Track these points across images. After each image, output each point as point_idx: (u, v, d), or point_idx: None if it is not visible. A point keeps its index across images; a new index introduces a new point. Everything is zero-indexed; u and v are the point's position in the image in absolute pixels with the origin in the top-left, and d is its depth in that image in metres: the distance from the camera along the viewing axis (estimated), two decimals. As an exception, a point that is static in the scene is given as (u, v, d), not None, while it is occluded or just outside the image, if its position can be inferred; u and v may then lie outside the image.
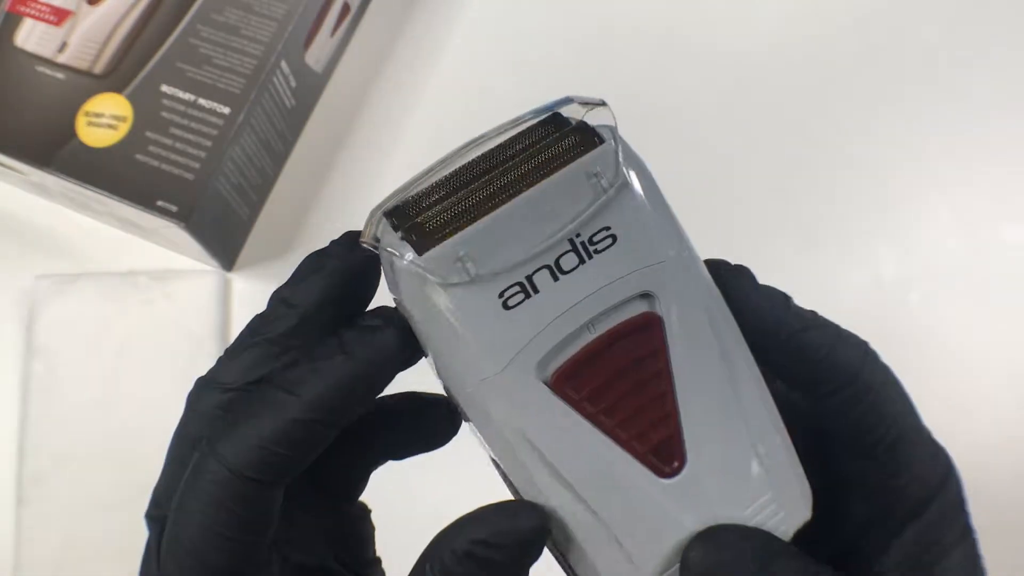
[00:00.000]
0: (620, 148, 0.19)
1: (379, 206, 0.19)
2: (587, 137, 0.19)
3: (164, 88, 0.44)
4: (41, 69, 0.45)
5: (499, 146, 0.19)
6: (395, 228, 0.18)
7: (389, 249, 0.18)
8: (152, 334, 0.46)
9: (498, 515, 0.18)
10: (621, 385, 0.18)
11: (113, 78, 0.45)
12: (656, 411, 0.19)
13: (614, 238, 0.19)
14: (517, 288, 0.18)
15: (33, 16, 0.47)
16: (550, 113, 0.20)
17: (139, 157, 0.43)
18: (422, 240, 0.18)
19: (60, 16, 0.46)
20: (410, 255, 0.18)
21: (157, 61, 0.45)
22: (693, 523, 0.18)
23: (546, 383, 0.18)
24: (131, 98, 0.44)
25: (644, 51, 0.53)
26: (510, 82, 0.52)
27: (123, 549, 0.43)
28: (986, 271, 0.48)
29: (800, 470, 0.20)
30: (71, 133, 0.44)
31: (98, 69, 0.45)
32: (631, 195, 0.19)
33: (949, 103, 0.51)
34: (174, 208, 0.42)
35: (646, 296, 0.19)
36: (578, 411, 0.18)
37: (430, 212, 0.18)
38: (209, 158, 0.43)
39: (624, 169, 0.19)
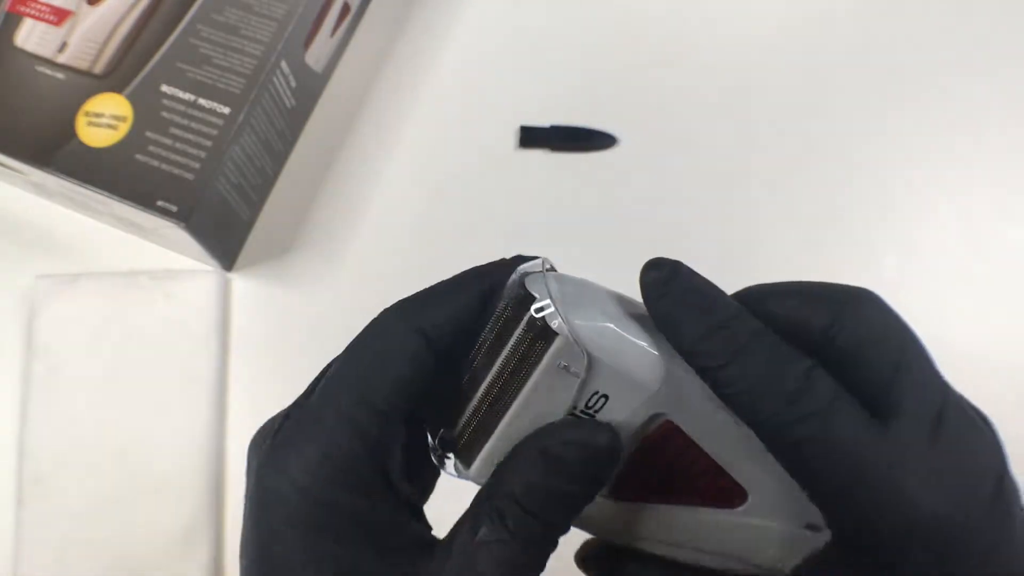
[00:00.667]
0: (570, 332, 0.21)
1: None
2: (542, 332, 0.21)
3: (164, 88, 0.44)
4: (41, 69, 0.45)
5: (481, 360, 0.23)
6: (450, 451, 0.24)
7: (453, 461, 0.24)
8: (152, 334, 0.46)
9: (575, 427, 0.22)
10: (665, 473, 0.23)
11: (113, 78, 0.45)
12: (703, 474, 0.23)
13: (606, 397, 0.22)
14: None
15: (33, 16, 0.47)
16: (511, 306, 0.23)
17: (139, 157, 0.43)
18: (462, 459, 0.23)
19: (60, 16, 0.46)
20: (461, 469, 0.23)
21: (157, 61, 0.45)
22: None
23: (609, 499, 0.24)
24: (131, 98, 0.44)
25: (644, 51, 0.53)
26: (510, 82, 0.52)
27: (123, 549, 0.44)
28: (987, 271, 0.48)
29: None
30: (71, 133, 0.44)
31: (98, 69, 0.45)
32: (600, 363, 0.21)
33: (950, 103, 0.51)
34: (174, 208, 0.42)
35: (656, 416, 0.22)
36: (647, 502, 0.24)
37: (462, 437, 0.23)
38: (209, 158, 0.43)
39: (583, 348, 0.21)
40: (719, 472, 0.23)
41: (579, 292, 0.23)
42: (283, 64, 0.46)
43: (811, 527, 0.22)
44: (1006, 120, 0.51)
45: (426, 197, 0.50)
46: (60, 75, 0.45)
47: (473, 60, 0.53)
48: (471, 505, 0.22)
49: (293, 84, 0.48)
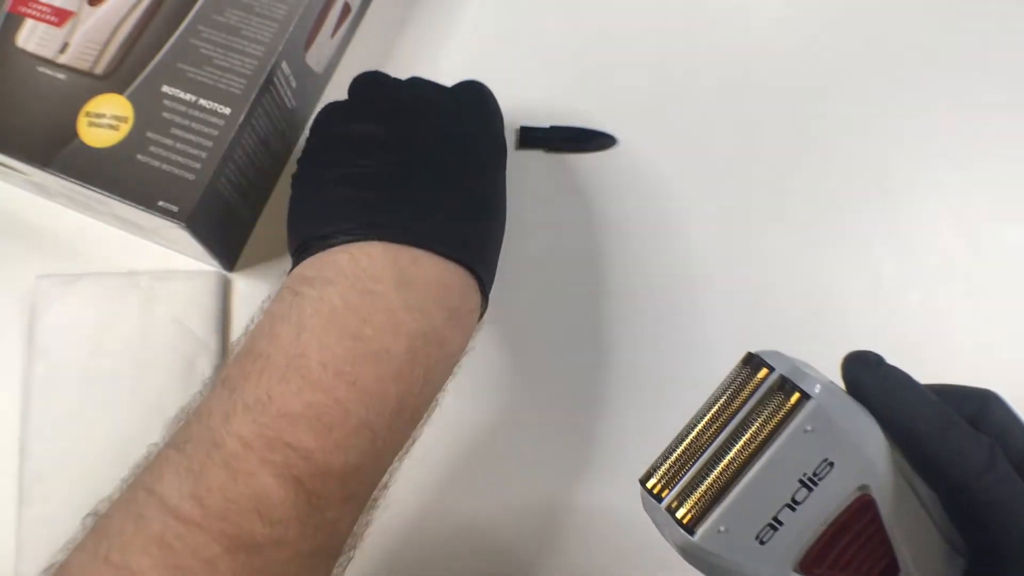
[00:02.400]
0: (825, 399, 0.23)
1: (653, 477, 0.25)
2: (789, 390, 0.23)
3: (165, 89, 0.45)
4: (42, 70, 0.45)
5: (715, 405, 0.24)
6: (669, 511, 0.24)
7: (667, 530, 0.24)
8: (153, 334, 0.46)
9: None
10: (852, 551, 0.24)
11: (114, 79, 0.45)
12: (878, 558, 0.24)
13: (831, 464, 0.23)
14: (768, 529, 0.23)
15: (34, 17, 0.47)
16: (751, 365, 0.25)
17: (140, 157, 0.43)
18: (690, 525, 0.24)
19: (61, 17, 0.47)
20: (683, 535, 0.24)
21: (158, 62, 0.45)
22: None
23: (801, 573, 0.24)
24: (132, 99, 0.44)
25: (644, 51, 0.53)
26: (510, 82, 0.53)
27: (124, 549, 0.44)
28: (986, 271, 0.48)
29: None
30: (72, 133, 0.44)
31: (99, 70, 0.45)
32: (838, 426, 0.23)
33: (949, 103, 0.51)
34: (175, 208, 0.42)
35: (862, 487, 0.24)
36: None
37: (686, 498, 0.24)
38: (210, 158, 0.43)
39: (826, 409, 0.23)
40: (888, 550, 0.24)
41: (808, 365, 0.24)
42: (284, 65, 0.46)
43: None
44: (1006, 120, 0.51)
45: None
46: (61, 76, 0.45)
47: (473, 60, 0.53)
48: None
49: (294, 85, 0.48)
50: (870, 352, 0.26)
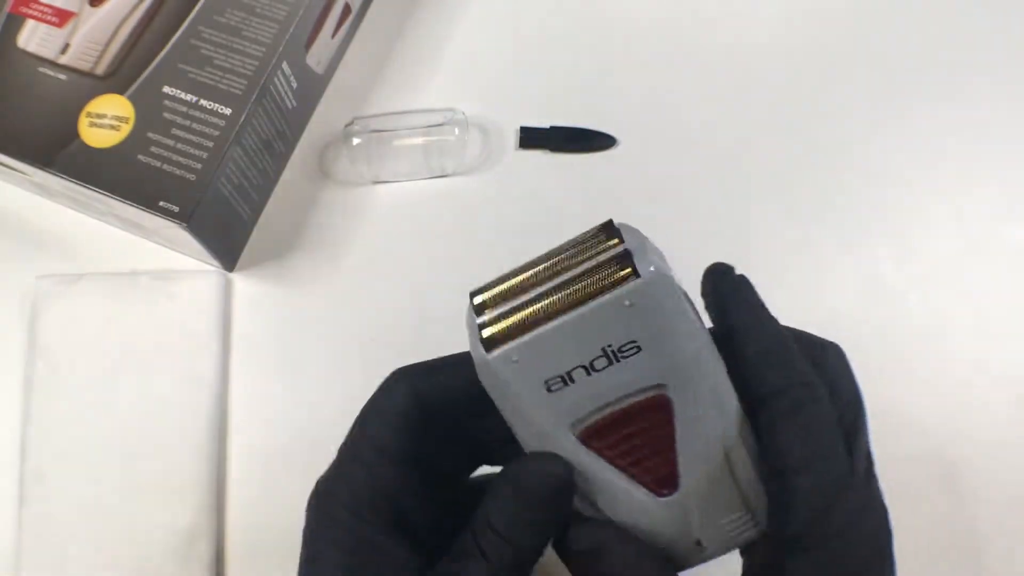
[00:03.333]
0: (654, 283, 0.23)
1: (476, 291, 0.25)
2: (625, 264, 0.23)
3: (166, 89, 0.45)
4: (43, 70, 0.45)
5: (562, 253, 0.24)
6: (479, 326, 0.24)
7: (472, 341, 0.24)
8: (154, 334, 0.47)
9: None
10: (632, 442, 0.25)
11: (115, 79, 0.45)
12: (658, 458, 0.25)
13: (638, 348, 0.23)
14: (558, 380, 0.24)
15: (35, 17, 0.47)
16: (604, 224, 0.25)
17: (141, 158, 0.43)
18: (489, 342, 0.24)
19: (62, 17, 0.47)
20: (481, 352, 0.24)
21: (159, 62, 0.45)
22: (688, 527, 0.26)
23: (576, 436, 0.24)
24: (133, 99, 0.44)
25: (644, 51, 0.53)
26: (510, 83, 0.53)
27: (123, 549, 0.44)
28: (986, 271, 0.48)
29: (763, 493, 0.25)
30: (73, 134, 0.44)
31: (100, 70, 0.45)
32: (657, 314, 0.23)
33: (949, 103, 0.51)
34: (176, 208, 0.42)
35: (660, 385, 0.24)
36: (596, 454, 0.25)
37: (499, 320, 0.24)
38: (211, 159, 0.43)
39: (652, 294, 0.23)
40: (672, 460, 0.25)
41: (660, 255, 0.24)
42: (284, 65, 0.46)
43: (698, 543, 0.26)
44: (1006, 120, 0.51)
45: (426, 197, 0.50)
46: (62, 76, 0.45)
47: (473, 61, 0.53)
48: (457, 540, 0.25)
49: (294, 85, 0.48)
50: (723, 264, 0.27)
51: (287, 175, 0.51)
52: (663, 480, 0.25)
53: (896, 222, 0.49)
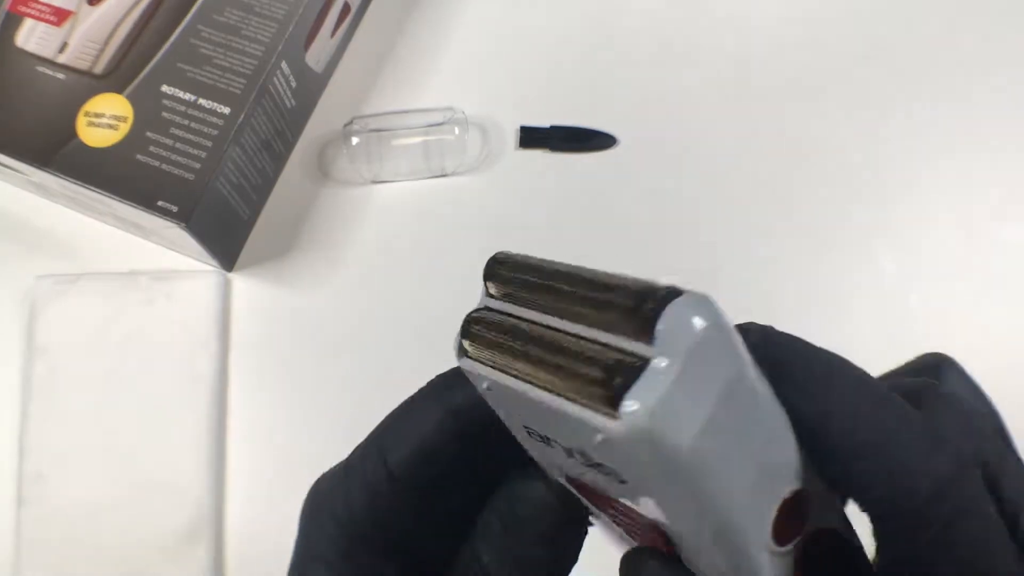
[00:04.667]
0: (627, 432, 0.15)
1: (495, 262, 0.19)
2: (612, 385, 0.15)
3: (164, 88, 0.44)
4: (42, 69, 0.45)
5: (597, 292, 0.17)
6: (468, 315, 0.19)
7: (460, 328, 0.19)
8: (153, 334, 0.46)
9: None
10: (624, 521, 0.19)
11: (113, 78, 0.45)
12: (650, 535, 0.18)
13: (622, 480, 0.17)
14: (537, 434, 0.18)
15: (34, 16, 0.47)
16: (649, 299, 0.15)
17: (139, 157, 0.43)
18: (472, 346, 0.18)
19: (61, 16, 0.47)
20: (457, 350, 0.19)
21: (157, 61, 0.45)
22: None
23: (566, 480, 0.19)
24: (131, 98, 0.44)
25: (644, 51, 0.53)
26: (510, 82, 0.53)
27: (123, 549, 0.44)
28: (986, 271, 0.48)
29: None
30: (72, 133, 0.44)
31: (98, 69, 0.45)
32: (637, 468, 0.16)
33: (949, 103, 0.51)
34: (174, 208, 0.42)
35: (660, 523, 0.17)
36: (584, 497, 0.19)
37: (482, 334, 0.18)
38: (209, 158, 0.43)
39: (626, 448, 0.15)
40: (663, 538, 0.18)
41: (721, 381, 0.15)
42: (283, 64, 0.46)
43: None
44: (1005, 120, 0.51)
45: (426, 197, 0.50)
46: (60, 75, 0.45)
47: (473, 60, 0.53)
48: None
49: (293, 84, 0.48)
50: (758, 325, 0.18)
51: (286, 175, 0.51)
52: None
53: (896, 222, 0.49)
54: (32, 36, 0.46)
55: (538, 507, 0.20)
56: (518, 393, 0.17)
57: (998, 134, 0.51)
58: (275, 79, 0.46)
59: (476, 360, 0.18)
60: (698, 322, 0.14)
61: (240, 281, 0.49)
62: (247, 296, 0.49)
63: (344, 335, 0.48)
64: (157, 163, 0.43)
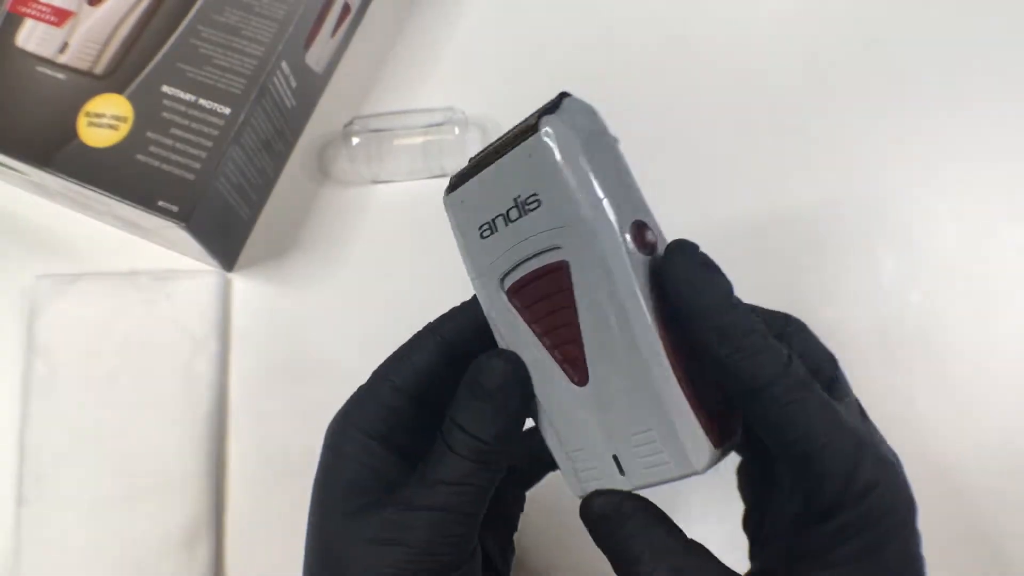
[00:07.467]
0: (555, 138, 0.24)
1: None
2: (531, 128, 0.25)
3: (165, 88, 0.45)
4: (42, 69, 0.45)
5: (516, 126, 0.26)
6: (448, 187, 0.28)
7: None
8: (153, 334, 0.46)
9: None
10: (545, 308, 0.26)
11: (114, 78, 0.45)
12: (567, 334, 0.26)
13: (539, 202, 0.25)
14: (487, 227, 0.27)
15: (34, 16, 0.47)
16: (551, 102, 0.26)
17: (140, 157, 0.43)
18: (449, 187, 0.28)
19: (61, 17, 0.47)
20: (444, 197, 0.28)
21: (158, 62, 0.45)
22: (596, 430, 0.26)
23: (504, 292, 0.27)
24: (132, 98, 0.44)
25: (644, 52, 0.53)
26: (510, 83, 0.53)
27: (123, 549, 0.44)
28: (986, 271, 0.48)
29: (697, 429, 0.25)
30: (72, 133, 0.44)
31: (99, 69, 0.45)
32: (551, 168, 0.25)
33: (949, 103, 0.51)
34: (175, 208, 0.42)
35: (557, 248, 0.25)
36: (521, 316, 0.27)
37: (457, 178, 0.28)
38: (210, 158, 0.43)
39: (551, 148, 0.24)
40: (578, 338, 0.25)
41: (588, 117, 0.26)
42: (283, 65, 0.46)
43: (617, 463, 0.26)
44: (1005, 120, 0.51)
45: (427, 197, 0.50)
46: (61, 75, 0.45)
47: (473, 60, 0.53)
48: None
49: (293, 84, 0.48)
50: (687, 242, 0.27)
51: (286, 175, 0.51)
52: (575, 362, 0.26)
53: (896, 222, 0.49)
54: (32, 36, 0.46)
55: (497, 373, 0.27)
56: (479, 182, 0.27)
57: (999, 133, 0.51)
58: (275, 79, 0.46)
59: (453, 188, 0.27)
60: (576, 101, 0.26)
61: (240, 281, 0.49)
62: (247, 296, 0.49)
63: (344, 335, 0.48)
64: (157, 163, 0.43)
